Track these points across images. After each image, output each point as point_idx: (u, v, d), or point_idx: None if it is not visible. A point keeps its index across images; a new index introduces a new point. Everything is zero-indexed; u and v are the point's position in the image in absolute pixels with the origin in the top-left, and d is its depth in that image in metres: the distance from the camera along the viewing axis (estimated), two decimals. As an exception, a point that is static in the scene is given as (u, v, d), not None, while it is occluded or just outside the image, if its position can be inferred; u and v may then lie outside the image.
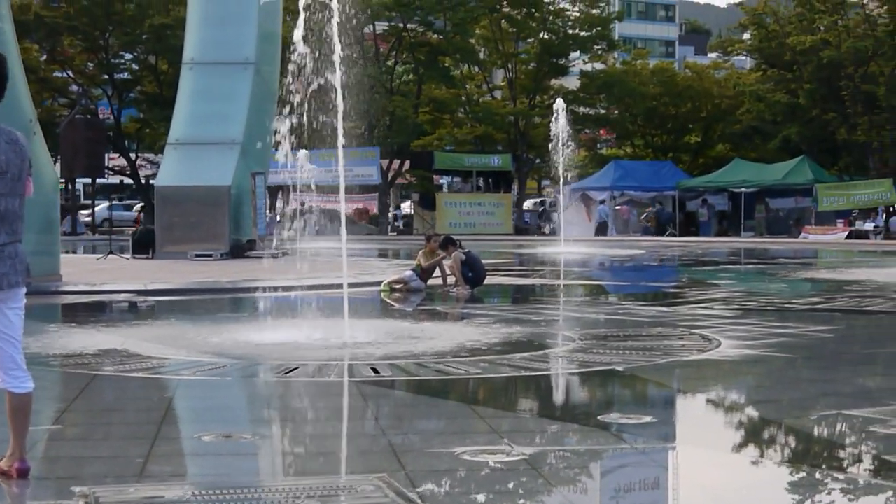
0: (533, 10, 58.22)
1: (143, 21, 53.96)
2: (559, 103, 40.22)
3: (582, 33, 59.67)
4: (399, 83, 58.60)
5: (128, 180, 63.48)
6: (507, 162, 55.94)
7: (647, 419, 8.05)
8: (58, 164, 33.61)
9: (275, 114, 31.93)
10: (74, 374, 10.15)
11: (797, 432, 7.81)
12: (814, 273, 26.61)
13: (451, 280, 19.97)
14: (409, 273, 19.99)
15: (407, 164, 56.51)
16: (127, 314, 17.18)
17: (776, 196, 51.16)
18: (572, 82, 62.37)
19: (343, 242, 13.60)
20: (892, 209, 48.52)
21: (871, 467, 6.82)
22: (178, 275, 22.20)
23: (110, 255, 27.36)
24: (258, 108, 29.99)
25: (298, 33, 12.83)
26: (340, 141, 13.31)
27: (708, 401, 9.45)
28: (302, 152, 13.58)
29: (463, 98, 60.90)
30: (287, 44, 13.16)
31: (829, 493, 6.28)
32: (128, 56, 58.64)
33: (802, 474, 6.65)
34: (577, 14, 59.94)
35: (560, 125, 38.90)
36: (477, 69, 62.86)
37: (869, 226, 47.78)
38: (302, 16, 12.93)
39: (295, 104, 13.21)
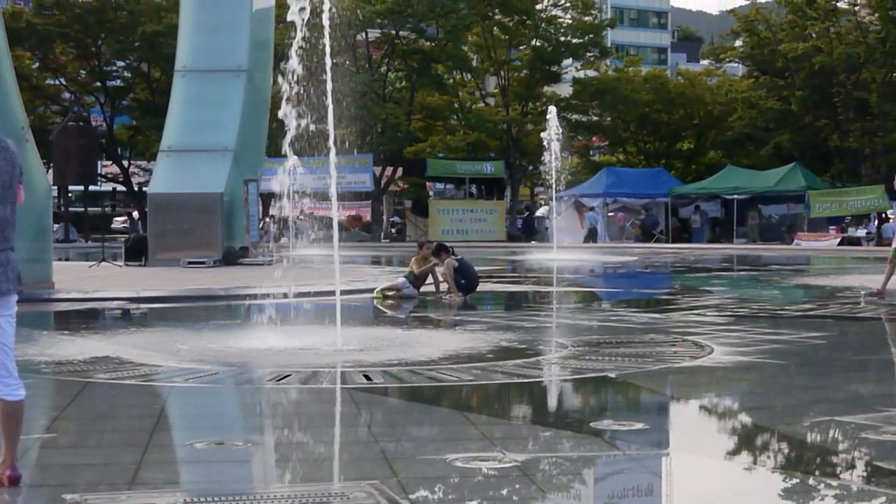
0: (525, 18, 58.28)
1: (136, 28, 53.94)
2: (551, 110, 40.22)
3: (574, 40, 59.73)
4: (391, 90, 58.60)
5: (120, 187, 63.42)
6: (500, 169, 55.95)
7: (640, 426, 8.05)
8: (50, 172, 33.56)
9: (267, 121, 32.05)
10: (66, 381, 10.13)
11: (790, 439, 7.82)
12: (806, 279, 26.63)
13: (443, 287, 19.96)
14: (401, 280, 19.98)
15: (399, 171, 56.52)
16: (119, 321, 17.15)
17: (769, 203, 51.23)
18: (565, 89, 62.44)
19: (335, 249, 13.60)
20: (883, 216, 48.59)
21: (864, 473, 6.82)
22: (171, 282, 22.17)
23: (103, 263, 27.32)
24: (250, 116, 29.99)
25: (294, 47, 12.83)
26: (332, 150, 13.31)
27: (700, 407, 9.46)
28: (293, 159, 13.56)
29: (455, 105, 60.93)
30: (280, 51, 13.13)
31: (822, 500, 6.28)
32: (120, 63, 58.57)
33: (795, 481, 6.65)
34: (570, 21, 60.01)
35: (552, 132, 38.88)
36: (469, 76, 62.87)
37: (861, 232, 47.84)
38: (298, 34, 12.91)
39: (288, 111, 13.19)
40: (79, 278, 22.89)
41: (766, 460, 7.36)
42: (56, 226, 53.30)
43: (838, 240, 45.28)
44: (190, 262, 27.09)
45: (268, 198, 39.76)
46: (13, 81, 19.75)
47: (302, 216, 14.89)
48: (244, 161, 29.72)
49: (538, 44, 59.23)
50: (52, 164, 34.42)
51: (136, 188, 58.74)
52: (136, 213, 57.51)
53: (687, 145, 65.45)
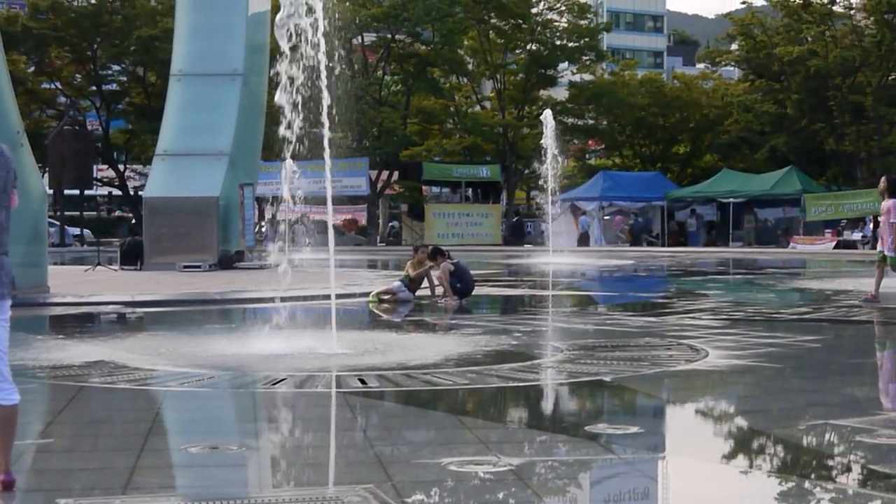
0: (521, 22, 58.35)
1: (131, 33, 53.98)
2: (547, 114, 40.25)
3: (570, 44, 59.82)
4: (388, 94, 58.65)
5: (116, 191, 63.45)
6: (496, 172, 55.99)
7: (635, 429, 8.05)
8: (46, 176, 33.55)
9: (263, 125, 32.06)
10: (61, 385, 10.12)
11: (785, 442, 7.81)
12: (802, 283, 26.64)
13: (439, 291, 19.96)
14: (397, 284, 19.97)
15: (395, 174, 56.55)
16: (114, 326, 17.13)
17: (764, 206, 51.28)
18: (561, 93, 62.53)
19: (331, 253, 13.59)
20: (879, 219, 48.61)
21: (860, 477, 6.82)
22: (166, 286, 22.16)
23: (98, 267, 27.31)
24: (246, 120, 30.00)
25: (284, 45, 12.80)
26: (327, 153, 13.30)
27: (696, 411, 9.45)
28: (289, 162, 13.55)
29: (451, 109, 61.01)
30: (275, 55, 13.11)
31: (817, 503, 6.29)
32: (116, 67, 58.66)
33: (791, 484, 6.65)
34: (566, 25, 60.10)
35: (548, 136, 38.88)
36: (465, 80, 62.95)
37: (857, 236, 47.87)
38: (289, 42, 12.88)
39: (285, 115, 13.18)
40: (74, 282, 22.88)
41: (762, 464, 7.36)
42: (81, 230, 53.43)
43: (834, 243, 45.32)
44: (185, 266, 27.09)
45: (263, 201, 39.83)
46: (8, 85, 19.74)
47: (299, 220, 14.89)
48: (240, 165, 29.73)
49: (534, 47, 59.33)
50: (47, 169, 34.44)
51: (131, 192, 58.74)
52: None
53: (683, 149, 65.55)
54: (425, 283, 20.21)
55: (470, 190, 57.64)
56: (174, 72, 30.41)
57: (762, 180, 50.05)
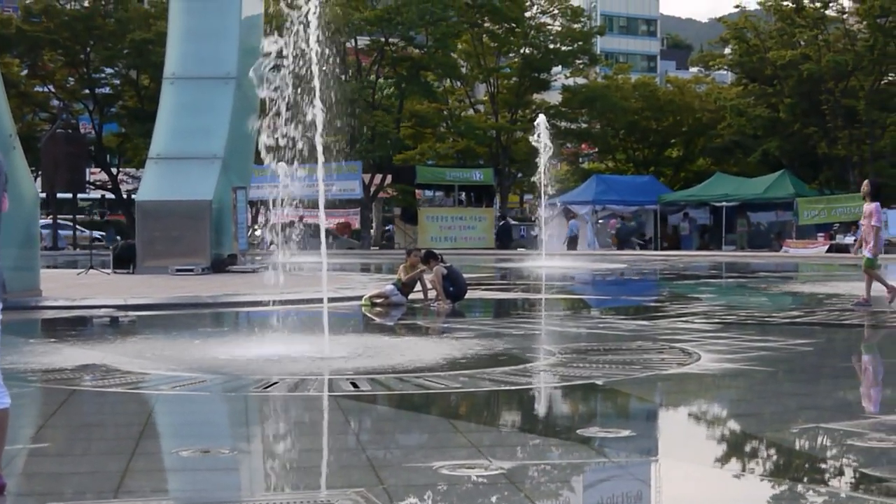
0: (514, 25, 58.39)
1: (124, 36, 53.93)
2: (541, 119, 40.27)
3: (563, 48, 59.88)
4: (381, 97, 58.66)
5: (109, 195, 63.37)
6: (489, 176, 56.01)
7: (627, 433, 8.05)
8: (38, 179, 33.51)
9: (256, 128, 32.05)
10: (53, 389, 10.10)
11: (777, 446, 7.82)
12: (794, 287, 26.68)
13: (431, 294, 19.96)
14: (389, 287, 19.97)
15: (389, 178, 56.55)
16: (107, 329, 17.11)
17: (757, 210, 51.37)
18: (554, 97, 62.58)
19: (323, 257, 13.58)
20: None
21: (851, 480, 6.83)
22: (159, 289, 22.14)
23: (91, 270, 27.28)
24: (239, 123, 29.96)
25: (270, 44, 12.80)
26: (321, 158, 13.29)
27: (688, 414, 9.46)
28: (282, 166, 13.55)
29: (445, 112, 61.03)
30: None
31: (807, 507, 6.30)
32: (109, 71, 58.59)
33: (783, 488, 6.66)
34: (559, 29, 60.16)
35: (542, 140, 38.89)
36: (459, 84, 62.99)
37: (849, 239, 47.80)
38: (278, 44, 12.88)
39: (277, 119, 13.17)
40: (66, 286, 22.85)
41: (754, 467, 7.37)
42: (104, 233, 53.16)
43: (826, 247, 45.38)
44: (178, 270, 27.06)
45: (256, 205, 39.79)
46: (1, 88, 19.72)
47: (292, 223, 14.88)
48: (233, 168, 29.71)
49: (527, 51, 59.38)
50: (40, 172, 34.37)
51: (124, 195, 58.67)
52: None
53: (676, 153, 65.63)
54: (418, 287, 20.22)
55: (463, 193, 57.68)
56: (167, 75, 30.40)
57: (755, 184, 50.13)
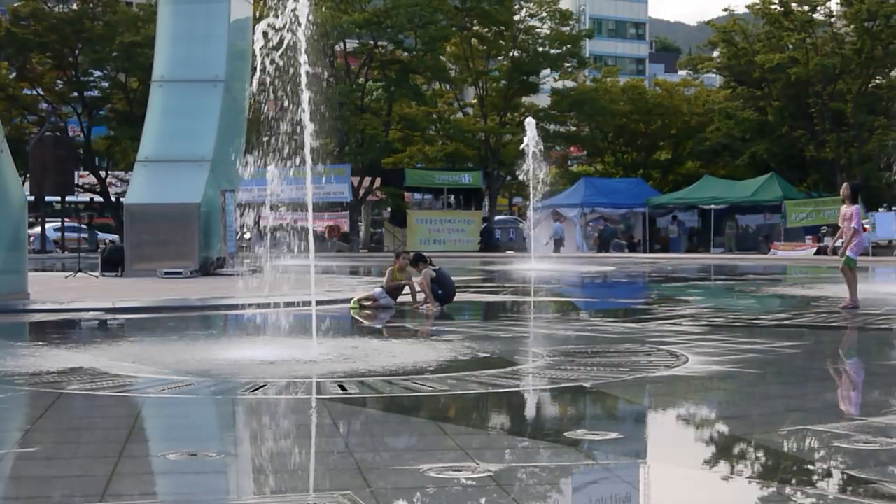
0: (503, 29, 58.45)
1: (113, 39, 53.84)
2: (530, 122, 40.29)
3: (552, 51, 59.95)
4: (370, 100, 58.65)
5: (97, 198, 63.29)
6: (478, 179, 56.04)
7: (615, 435, 8.05)
8: (27, 183, 33.46)
9: (244, 131, 32.03)
10: (40, 392, 10.07)
11: (765, 448, 7.83)
12: (782, 289, 26.73)
13: (420, 297, 19.97)
14: (378, 290, 19.98)
15: (378, 181, 56.55)
16: (95, 332, 17.07)
17: (745, 213, 51.48)
18: (543, 100, 62.65)
19: (311, 259, 13.57)
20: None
21: (838, 482, 6.84)
22: (147, 292, 22.11)
23: (79, 273, 27.24)
24: (228, 126, 29.96)
25: (258, 47, 12.80)
26: (309, 161, 13.29)
27: (676, 417, 9.47)
28: (271, 169, 13.55)
29: (434, 115, 61.03)
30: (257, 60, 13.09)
31: (794, 509, 6.31)
32: (97, 73, 58.47)
33: (771, 490, 6.67)
34: (548, 32, 60.23)
35: (530, 143, 38.92)
36: (447, 87, 63.01)
37: (837, 242, 48.04)
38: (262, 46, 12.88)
39: (266, 122, 13.18)
40: (55, 289, 22.81)
41: (742, 469, 7.38)
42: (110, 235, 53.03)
43: (814, 249, 45.49)
44: (167, 273, 27.04)
45: (244, 208, 39.73)
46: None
47: (280, 226, 14.87)
48: (221, 171, 29.68)
49: (516, 54, 59.44)
50: (28, 175, 34.30)
51: (113, 199, 58.57)
52: None
53: (664, 155, 65.73)
54: (407, 290, 20.23)
55: (452, 196, 57.69)
56: (156, 78, 30.38)
57: (743, 187, 50.24)
